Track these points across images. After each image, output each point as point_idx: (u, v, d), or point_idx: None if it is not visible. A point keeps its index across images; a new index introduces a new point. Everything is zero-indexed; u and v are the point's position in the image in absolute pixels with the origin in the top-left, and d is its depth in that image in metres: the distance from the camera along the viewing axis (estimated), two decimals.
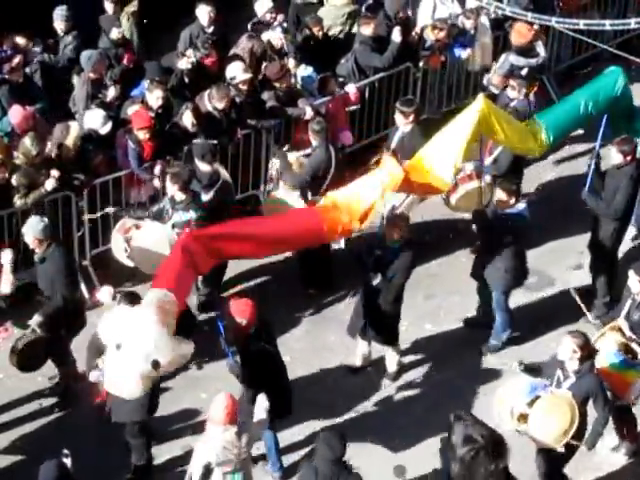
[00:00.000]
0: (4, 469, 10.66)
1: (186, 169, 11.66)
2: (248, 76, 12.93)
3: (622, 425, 10.80)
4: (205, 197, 11.84)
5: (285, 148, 13.04)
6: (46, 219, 10.94)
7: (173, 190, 11.42)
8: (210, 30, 13.69)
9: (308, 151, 12.69)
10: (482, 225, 11.76)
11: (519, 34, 13.86)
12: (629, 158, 11.93)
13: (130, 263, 11.58)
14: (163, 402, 11.18)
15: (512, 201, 11.44)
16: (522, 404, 9.89)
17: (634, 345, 10.36)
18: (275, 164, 12.84)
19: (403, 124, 12.52)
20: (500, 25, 14.48)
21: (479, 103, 11.40)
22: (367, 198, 10.98)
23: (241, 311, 10.18)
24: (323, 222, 10.93)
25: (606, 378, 10.10)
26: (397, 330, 11.61)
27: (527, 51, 14.02)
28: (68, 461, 9.14)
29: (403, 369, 11.94)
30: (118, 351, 9.53)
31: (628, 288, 10.73)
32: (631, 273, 10.61)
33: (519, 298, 12.66)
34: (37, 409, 11.42)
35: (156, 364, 9.39)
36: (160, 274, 10.30)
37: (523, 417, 9.88)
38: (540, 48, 14.16)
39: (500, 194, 11.48)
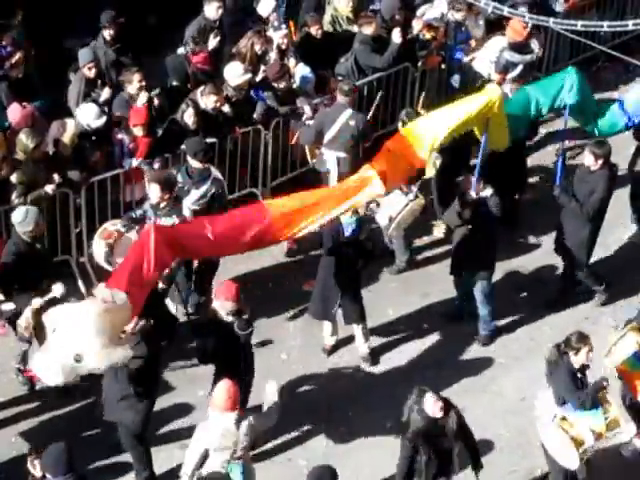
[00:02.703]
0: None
1: (168, 174, 11.62)
2: (247, 77, 12.99)
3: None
4: (196, 193, 11.83)
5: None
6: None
7: (155, 196, 11.37)
8: (216, 25, 13.69)
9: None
10: (467, 218, 11.82)
11: (515, 31, 13.89)
12: (601, 162, 11.98)
13: (109, 267, 11.39)
14: (160, 399, 11.21)
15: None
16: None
17: None
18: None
19: None
20: (493, 26, 14.57)
21: (493, 93, 11.46)
22: (332, 208, 10.79)
23: (226, 291, 10.42)
24: (269, 220, 10.64)
25: (625, 378, 10.47)
26: (362, 305, 11.83)
27: (522, 47, 14.06)
28: None
29: (402, 367, 12.03)
30: (52, 334, 9.55)
31: None
32: None
33: (513, 297, 12.85)
34: (33, 405, 11.43)
35: (78, 359, 9.35)
36: (117, 274, 10.18)
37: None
38: (534, 44, 14.21)
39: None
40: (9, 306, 10.65)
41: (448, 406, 9.75)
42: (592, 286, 12.73)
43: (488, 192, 11.76)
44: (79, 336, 9.43)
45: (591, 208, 12.01)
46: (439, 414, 9.65)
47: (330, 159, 12.76)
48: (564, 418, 10.12)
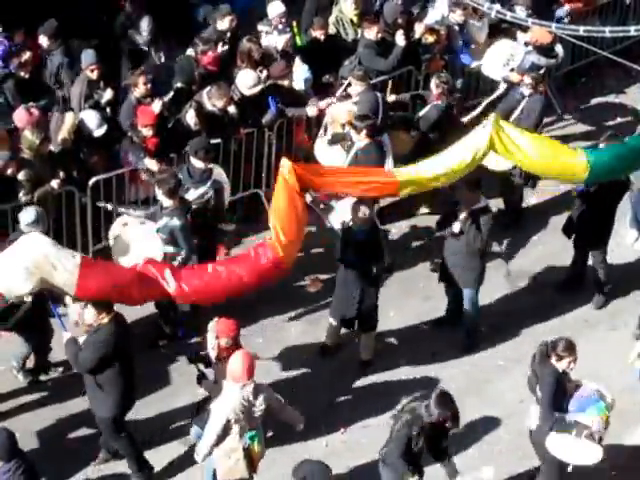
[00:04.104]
0: None
1: (173, 176, 11.65)
2: (259, 88, 13.09)
3: None
4: (195, 193, 11.90)
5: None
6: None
7: (160, 196, 11.45)
8: (227, 36, 13.87)
9: (354, 99, 13.10)
10: (455, 232, 11.76)
11: (542, 35, 13.93)
12: None
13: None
14: (162, 398, 11.45)
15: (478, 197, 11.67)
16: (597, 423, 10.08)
17: None
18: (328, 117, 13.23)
19: (357, 139, 12.52)
20: (495, 30, 14.74)
21: (487, 129, 10.96)
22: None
23: (227, 330, 10.28)
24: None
25: None
26: (377, 313, 11.84)
27: (548, 51, 14.17)
28: None
29: (403, 369, 12.06)
30: None
31: None
32: None
33: (513, 299, 12.94)
34: (37, 400, 11.52)
35: None
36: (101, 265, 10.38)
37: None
38: (559, 48, 14.33)
39: (466, 192, 11.65)
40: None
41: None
42: (598, 281, 12.82)
43: (482, 203, 11.72)
44: (12, 254, 9.79)
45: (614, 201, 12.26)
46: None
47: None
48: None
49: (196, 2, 14.59)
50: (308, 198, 12.10)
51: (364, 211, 11.29)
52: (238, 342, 10.38)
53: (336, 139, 12.88)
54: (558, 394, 10.06)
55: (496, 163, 12.21)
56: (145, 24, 13.85)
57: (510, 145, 10.99)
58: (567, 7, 15.32)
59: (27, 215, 10.97)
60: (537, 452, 10.39)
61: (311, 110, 13.31)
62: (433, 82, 13.32)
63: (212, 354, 10.39)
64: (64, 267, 9.80)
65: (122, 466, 10.88)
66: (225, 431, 9.71)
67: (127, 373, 10.30)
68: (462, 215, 11.65)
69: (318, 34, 14.16)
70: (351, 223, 11.49)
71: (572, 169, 11.26)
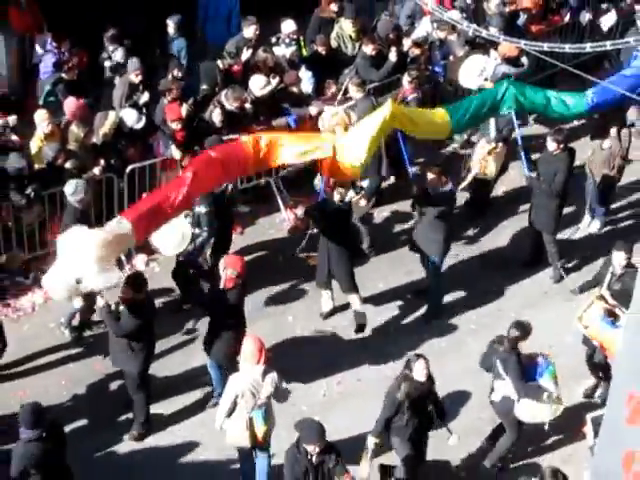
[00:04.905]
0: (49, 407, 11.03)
1: None
2: (268, 89, 14.34)
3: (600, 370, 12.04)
4: None
5: None
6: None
7: None
8: (252, 43, 15.14)
9: (351, 102, 14.18)
10: (425, 203, 12.79)
11: (510, 48, 15.06)
12: (561, 146, 13.31)
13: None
14: (181, 358, 12.41)
15: (442, 181, 12.72)
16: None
17: (617, 310, 11.56)
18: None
19: None
20: (473, 45, 15.73)
21: (387, 107, 12.21)
22: (294, 151, 11.93)
23: (233, 263, 11.28)
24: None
25: (599, 338, 11.59)
26: (353, 278, 12.67)
27: (516, 61, 15.36)
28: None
29: (390, 331, 12.93)
30: (60, 257, 10.51)
31: (607, 263, 11.96)
32: (615, 251, 11.83)
33: (484, 272, 13.89)
34: (80, 353, 12.47)
35: (79, 281, 10.34)
36: (134, 207, 11.14)
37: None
38: (524, 59, 15.44)
39: (430, 176, 12.73)
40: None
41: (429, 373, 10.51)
42: (552, 259, 13.74)
43: (447, 187, 12.73)
44: (80, 262, 10.26)
45: (557, 186, 13.20)
46: (423, 379, 10.40)
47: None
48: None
49: (174, 37, 15.33)
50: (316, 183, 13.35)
51: (339, 190, 12.46)
52: (243, 280, 11.29)
53: None
54: (523, 372, 10.94)
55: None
56: (119, 55, 14.83)
57: (404, 119, 12.53)
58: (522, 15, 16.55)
59: (69, 187, 12.15)
60: (501, 418, 11.24)
61: (313, 110, 14.51)
62: (405, 79, 14.45)
63: (221, 285, 11.36)
64: (121, 237, 10.62)
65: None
66: (233, 405, 10.32)
67: (152, 337, 11.46)
68: (414, 190, 12.76)
69: (320, 49, 15.35)
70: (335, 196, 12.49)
71: (442, 127, 12.98)
